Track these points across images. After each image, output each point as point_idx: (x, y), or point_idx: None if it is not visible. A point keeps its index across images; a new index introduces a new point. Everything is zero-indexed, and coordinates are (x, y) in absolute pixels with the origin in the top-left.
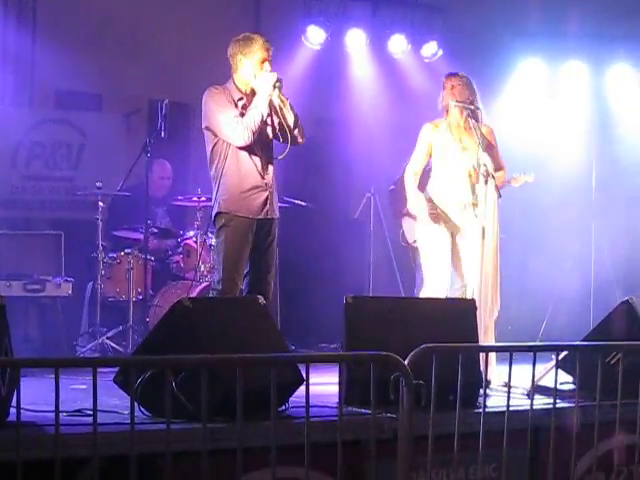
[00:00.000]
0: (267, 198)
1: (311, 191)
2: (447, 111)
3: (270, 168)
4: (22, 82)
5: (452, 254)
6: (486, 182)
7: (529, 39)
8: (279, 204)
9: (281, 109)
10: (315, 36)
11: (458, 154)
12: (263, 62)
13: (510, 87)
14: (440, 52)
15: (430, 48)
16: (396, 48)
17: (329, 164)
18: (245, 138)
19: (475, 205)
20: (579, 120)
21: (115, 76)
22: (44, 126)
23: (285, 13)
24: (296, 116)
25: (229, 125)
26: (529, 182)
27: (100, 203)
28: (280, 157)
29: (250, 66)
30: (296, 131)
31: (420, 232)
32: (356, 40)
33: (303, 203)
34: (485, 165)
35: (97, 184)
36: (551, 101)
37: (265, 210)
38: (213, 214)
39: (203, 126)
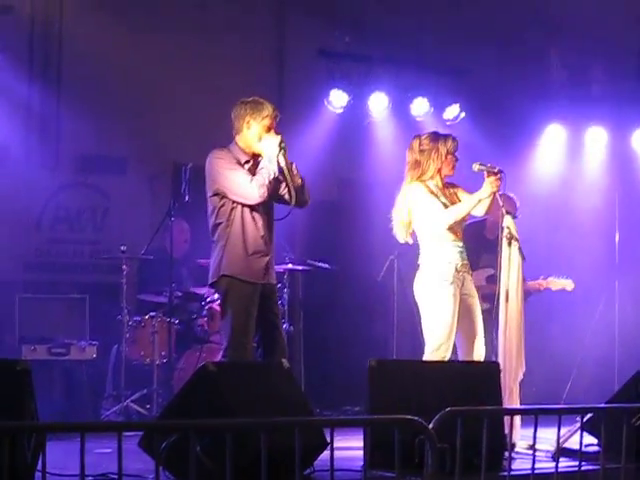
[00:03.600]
0: (267, 263)
1: (334, 253)
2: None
3: (272, 233)
4: (47, 145)
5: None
6: (509, 244)
7: (551, 104)
8: (303, 267)
9: (289, 171)
10: (338, 100)
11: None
12: (269, 130)
13: (532, 150)
14: (462, 115)
15: (452, 111)
16: (418, 111)
17: (352, 226)
18: (261, 194)
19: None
20: (602, 183)
21: (139, 139)
22: (69, 190)
23: (308, 77)
24: (302, 179)
25: (243, 184)
26: (567, 290)
27: (124, 266)
28: (279, 219)
29: (257, 129)
30: (304, 195)
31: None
32: (379, 103)
33: (326, 265)
34: (508, 228)
35: (121, 248)
36: (574, 165)
37: (266, 275)
38: (215, 277)
39: (210, 193)
